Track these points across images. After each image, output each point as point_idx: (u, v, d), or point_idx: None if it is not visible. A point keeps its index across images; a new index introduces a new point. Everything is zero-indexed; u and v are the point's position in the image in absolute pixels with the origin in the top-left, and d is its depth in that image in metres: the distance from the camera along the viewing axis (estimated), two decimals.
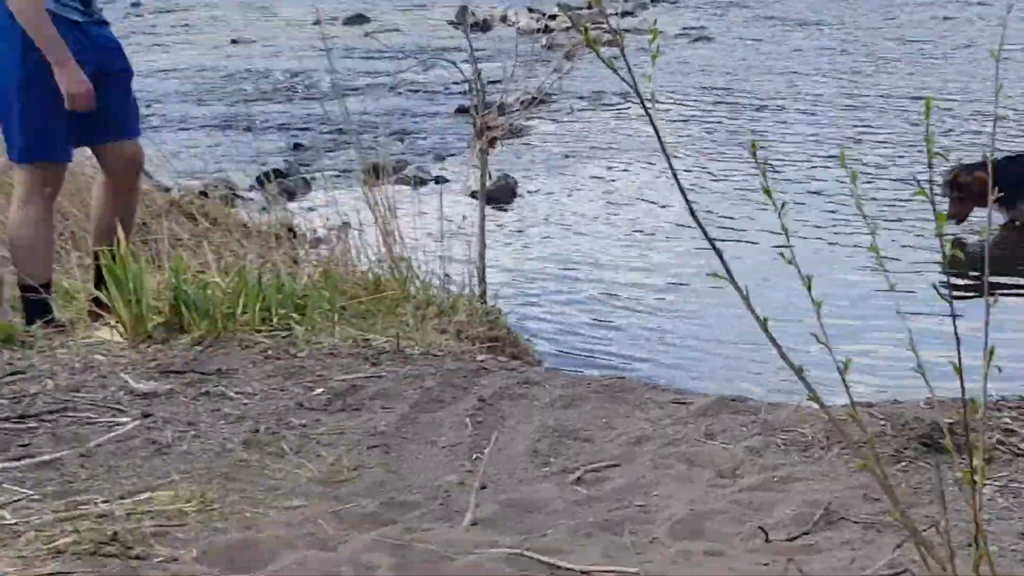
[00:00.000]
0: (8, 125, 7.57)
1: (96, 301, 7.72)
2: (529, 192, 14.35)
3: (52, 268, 7.69)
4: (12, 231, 7.74)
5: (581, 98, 18.46)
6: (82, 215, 9.66)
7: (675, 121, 16.98)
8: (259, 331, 7.36)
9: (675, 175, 4.17)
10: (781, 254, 3.68)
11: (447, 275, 8.95)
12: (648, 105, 3.89)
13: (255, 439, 5.80)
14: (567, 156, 15.83)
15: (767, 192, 3.76)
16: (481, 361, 7.29)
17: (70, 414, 6.07)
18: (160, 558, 4.49)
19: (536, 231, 12.98)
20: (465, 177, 13.70)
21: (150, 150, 10.12)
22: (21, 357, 6.93)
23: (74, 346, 7.08)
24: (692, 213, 4.06)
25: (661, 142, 4.06)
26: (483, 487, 5.27)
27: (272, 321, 7.48)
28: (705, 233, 3.90)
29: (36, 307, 7.60)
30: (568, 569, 4.56)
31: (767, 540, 4.77)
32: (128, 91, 7.79)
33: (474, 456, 5.76)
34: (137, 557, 4.48)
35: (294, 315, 7.54)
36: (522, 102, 9.40)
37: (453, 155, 15.01)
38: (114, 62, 7.69)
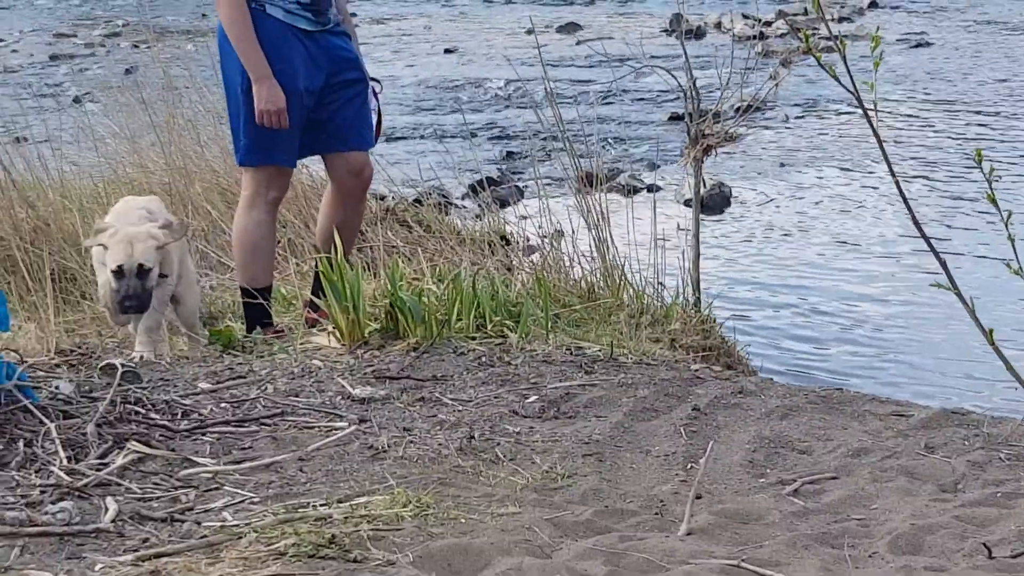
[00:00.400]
0: (234, 127, 7.70)
1: (313, 307, 7.84)
2: (744, 200, 14.22)
3: (272, 273, 7.81)
4: (235, 234, 7.88)
5: (796, 105, 18.25)
6: (299, 223, 9.85)
7: (895, 128, 16.66)
8: (473, 338, 7.40)
9: (897, 183, 4.08)
10: (1008, 265, 3.58)
11: (661, 283, 8.90)
12: (870, 112, 3.81)
13: (470, 445, 5.83)
14: (783, 164, 15.65)
15: (993, 201, 3.66)
16: (695, 370, 7.24)
17: (289, 418, 6.16)
18: (377, 561, 4.53)
19: (751, 240, 12.86)
20: (679, 185, 13.64)
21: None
22: (241, 362, 7.07)
23: (292, 351, 7.20)
24: (915, 222, 3.97)
25: (883, 149, 3.98)
26: (698, 497, 5.22)
27: (486, 328, 7.51)
28: (928, 242, 3.82)
29: (256, 313, 7.73)
30: None
31: (990, 556, 4.64)
32: (363, 102, 7.81)
33: (689, 466, 5.72)
34: (355, 560, 4.53)
35: (508, 322, 7.56)
36: (737, 109, 9.29)
37: (667, 163, 14.93)
38: (348, 72, 7.74)
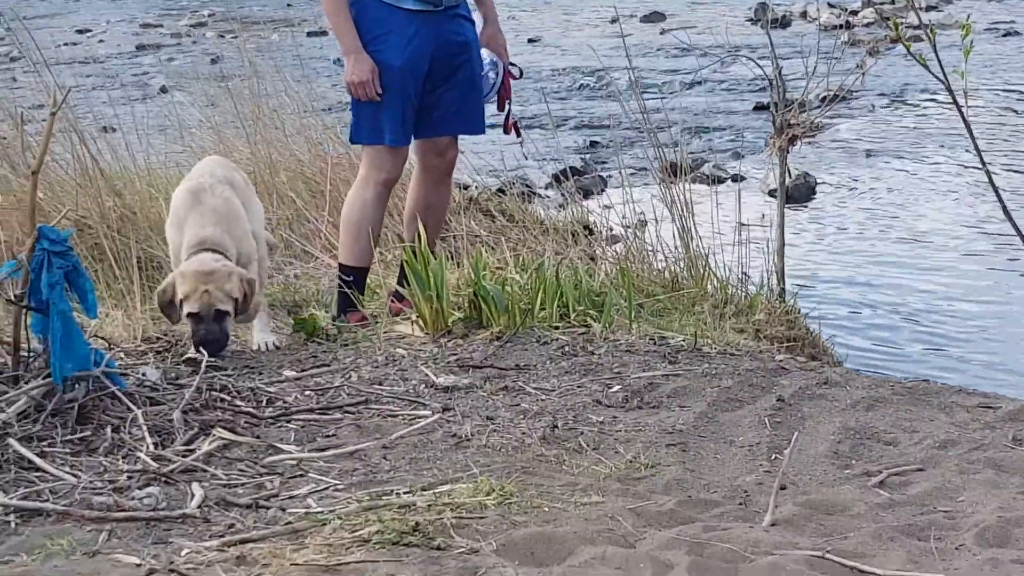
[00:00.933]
0: (352, 106, 7.74)
1: (398, 297, 7.86)
2: (829, 190, 14.12)
3: (370, 256, 7.80)
4: (344, 211, 7.91)
5: (883, 95, 18.10)
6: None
7: (985, 118, 16.46)
8: (557, 327, 7.39)
9: (988, 173, 4.04)
10: None
11: (745, 273, 8.85)
12: (960, 101, 3.76)
13: (553, 434, 5.83)
14: (869, 154, 15.51)
15: None
16: (780, 361, 7.19)
17: (373, 406, 6.19)
18: (461, 549, 4.54)
19: (836, 230, 12.76)
20: (763, 175, 13.55)
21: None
22: (326, 350, 7.10)
23: (376, 340, 7.22)
24: (1006, 212, 3.93)
25: (973, 139, 3.94)
26: (783, 487, 5.19)
27: (570, 317, 7.51)
28: (1020, 232, 3.77)
29: (346, 295, 7.74)
30: (871, 574, 4.45)
31: None
32: (471, 87, 7.79)
33: (773, 456, 5.68)
34: (438, 548, 4.54)
35: (591, 312, 7.55)
36: (823, 99, 9.21)
37: (751, 153, 14.86)
38: (458, 56, 7.71)
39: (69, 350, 5.71)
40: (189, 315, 6.83)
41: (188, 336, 6.94)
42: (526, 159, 9.26)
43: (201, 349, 6.68)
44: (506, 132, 8.20)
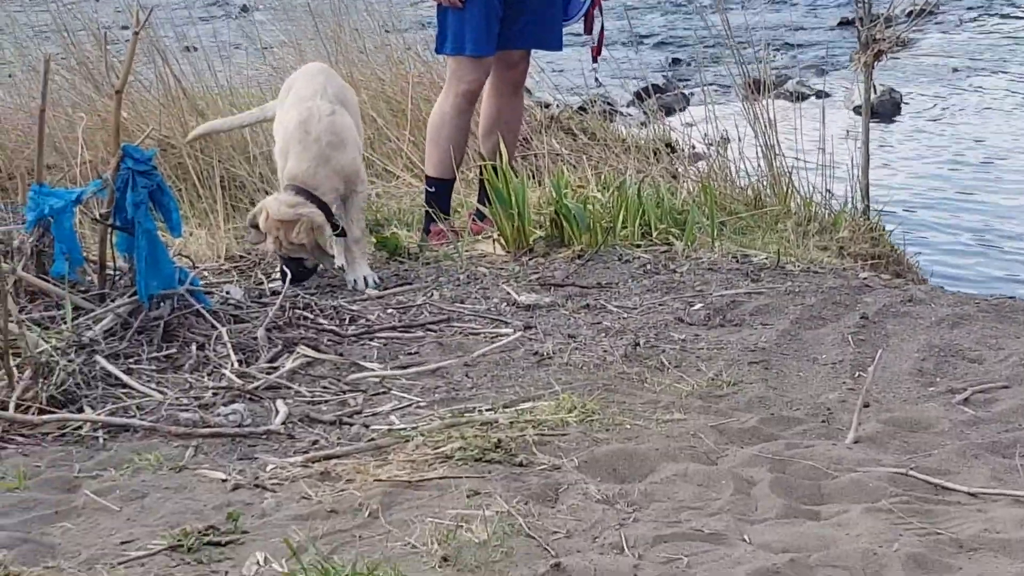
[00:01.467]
0: (437, 17, 7.74)
1: (479, 216, 7.85)
2: (915, 107, 13.93)
3: (453, 168, 7.79)
4: (428, 123, 7.93)
5: (971, 8, 17.79)
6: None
7: None
8: (638, 246, 7.37)
9: None
10: None
11: (829, 191, 8.76)
12: None
13: (635, 352, 5.82)
14: (955, 70, 15.28)
15: None
16: (864, 278, 7.14)
17: (455, 324, 6.21)
18: (543, 466, 4.56)
19: (921, 147, 12.60)
20: (848, 91, 13.39)
21: (531, 67, 10.23)
22: (408, 268, 7.12)
23: (458, 259, 7.23)
24: None
25: None
26: (866, 405, 5.17)
27: (651, 236, 7.48)
28: None
29: (430, 204, 7.74)
30: (955, 490, 4.43)
31: None
32: (551, 2, 7.75)
33: (856, 374, 5.65)
34: (520, 464, 4.56)
35: (673, 230, 7.52)
36: (909, 13, 9.08)
37: (836, 69, 14.67)
38: None
39: (154, 268, 5.75)
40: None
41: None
42: (598, 84, 9.18)
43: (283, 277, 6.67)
44: (594, 59, 8.19)
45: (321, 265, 6.90)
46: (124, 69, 6.08)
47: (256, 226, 6.78)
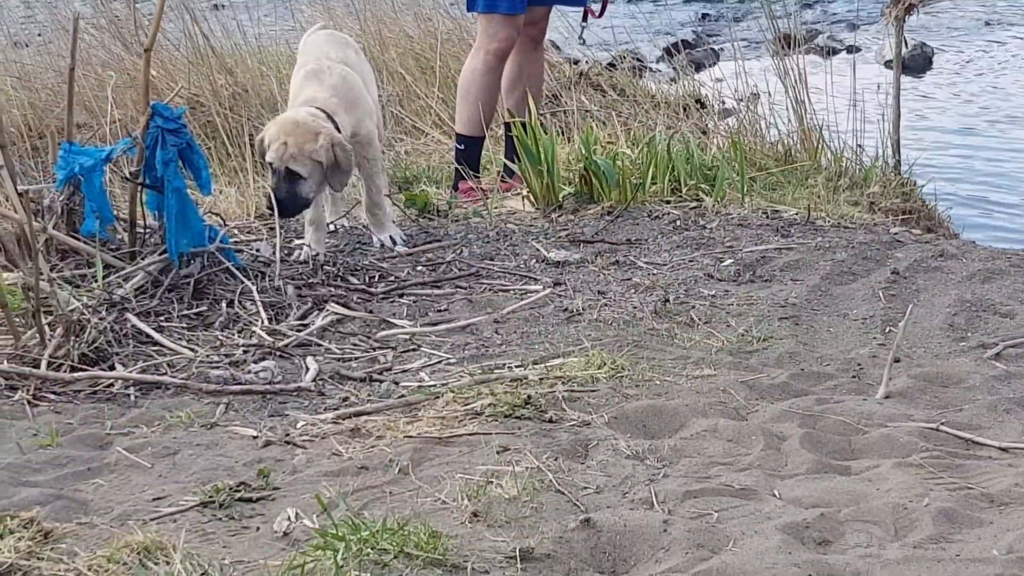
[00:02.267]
0: None
1: (508, 172, 7.85)
2: (947, 61, 13.84)
3: (481, 126, 7.79)
4: (460, 79, 7.95)
5: None
6: None
7: None
8: (668, 201, 7.35)
9: None
10: None
11: (860, 146, 8.72)
12: None
13: (665, 308, 5.81)
14: (987, 23, 15.18)
15: None
16: (895, 233, 7.11)
17: (484, 281, 6.21)
18: (572, 422, 4.56)
19: (953, 102, 12.53)
20: (879, 45, 13.31)
21: (559, 22, 10.21)
22: (437, 225, 7.12)
23: (487, 215, 7.22)
24: None
25: None
26: (897, 360, 5.15)
27: (681, 192, 7.46)
28: None
29: (460, 160, 7.76)
30: (986, 445, 4.42)
31: None
32: None
33: (887, 329, 5.63)
34: (550, 420, 4.56)
35: (703, 186, 7.50)
36: None
37: (867, 23, 14.58)
38: None
39: (184, 226, 5.77)
40: (268, 164, 6.28)
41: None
42: (582, 42, 9.16)
43: (270, 207, 6.29)
44: (598, 15, 8.22)
45: (322, 201, 6.57)
46: (153, 28, 6.08)
47: (263, 152, 6.33)
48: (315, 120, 6.29)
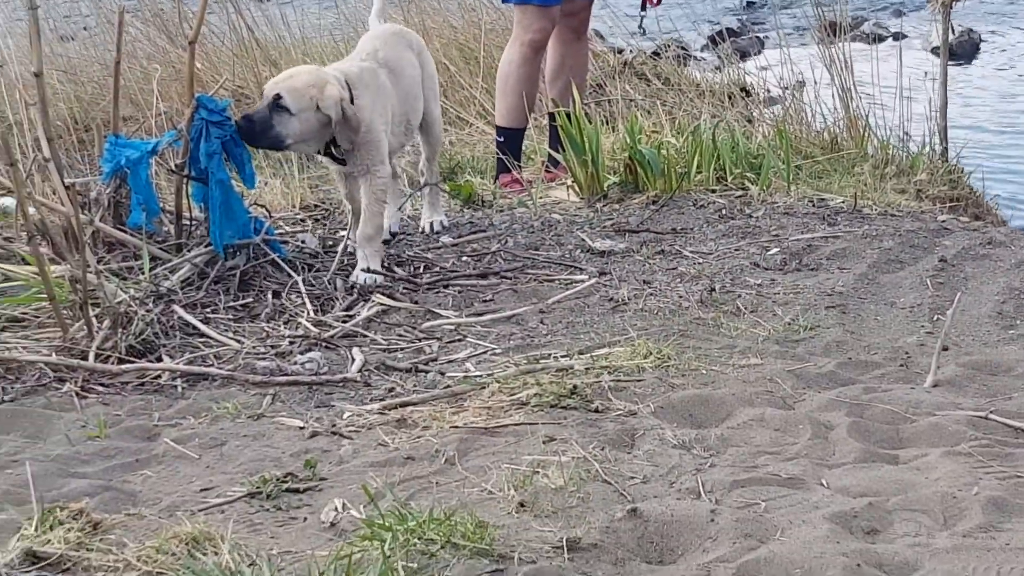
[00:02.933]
0: None
1: (553, 162, 7.84)
2: (994, 47, 13.74)
3: (521, 117, 7.79)
4: (498, 72, 7.94)
5: None
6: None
7: None
8: (713, 190, 7.33)
9: None
10: None
11: (907, 133, 8.68)
12: None
13: (711, 297, 5.80)
14: None
15: None
16: (942, 221, 7.07)
17: (529, 271, 6.20)
18: (618, 411, 4.55)
19: (1001, 88, 12.44)
20: (926, 32, 13.23)
21: (603, 10, 10.19)
22: (482, 216, 7.11)
23: (532, 205, 7.22)
24: None
25: None
26: (945, 348, 5.11)
27: (726, 180, 7.44)
28: None
29: (501, 151, 7.76)
30: None
31: None
32: None
33: (935, 317, 5.60)
34: (596, 410, 4.55)
35: (749, 174, 7.48)
36: None
37: (914, 9, 14.50)
38: None
39: (229, 218, 5.78)
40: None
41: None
42: (643, 32, 9.14)
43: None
44: (655, 2, 8.19)
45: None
46: (197, 20, 6.10)
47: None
48: (333, 76, 5.90)
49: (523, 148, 8.09)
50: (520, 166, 7.79)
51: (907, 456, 4.25)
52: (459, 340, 5.39)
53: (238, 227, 5.81)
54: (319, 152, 6.07)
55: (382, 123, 6.09)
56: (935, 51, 11.11)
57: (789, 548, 3.50)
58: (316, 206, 7.33)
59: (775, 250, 6.46)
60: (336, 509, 3.83)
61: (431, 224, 6.74)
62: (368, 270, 5.94)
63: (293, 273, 5.85)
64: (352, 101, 5.92)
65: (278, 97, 5.78)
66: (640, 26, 8.83)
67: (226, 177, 5.79)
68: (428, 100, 6.54)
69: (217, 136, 5.76)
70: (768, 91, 10.12)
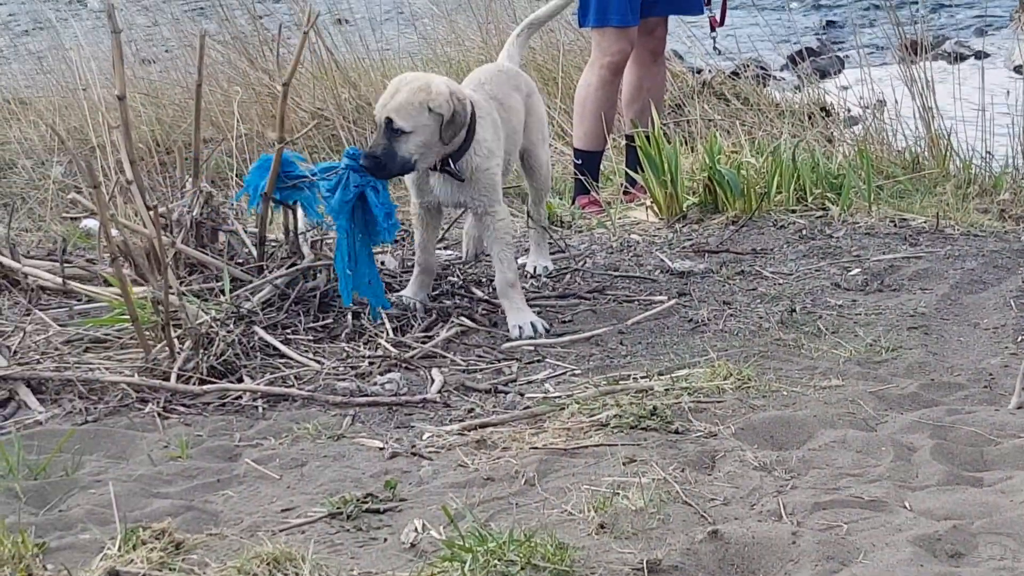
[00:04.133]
0: None
1: (630, 182, 7.83)
2: None
3: (599, 140, 7.78)
4: (576, 94, 7.94)
5: None
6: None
7: None
8: (793, 211, 7.29)
9: None
10: None
11: (989, 152, 8.60)
12: None
13: (791, 318, 5.77)
14: None
15: None
16: None
17: (608, 292, 6.19)
18: (699, 433, 4.53)
19: None
20: (1008, 51, 13.11)
21: (682, 32, 10.17)
22: (561, 237, 7.11)
23: (611, 226, 7.21)
24: None
25: None
26: None
27: (807, 201, 7.40)
28: None
29: (579, 174, 7.76)
30: None
31: None
32: None
33: (1019, 338, 5.54)
34: (676, 431, 4.54)
35: (829, 194, 7.43)
36: None
37: (996, 28, 14.37)
38: None
39: (352, 270, 5.56)
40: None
41: None
42: (717, 52, 9.12)
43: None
44: (712, 28, 8.17)
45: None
46: (292, 63, 6.07)
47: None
48: (436, 75, 5.62)
49: (601, 168, 8.08)
50: (599, 187, 7.78)
51: (991, 479, 4.20)
52: (538, 361, 5.39)
53: (360, 284, 5.59)
54: (435, 168, 5.68)
55: (499, 160, 5.81)
56: (1018, 69, 11.02)
57: (872, 571, 3.47)
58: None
59: (856, 271, 6.42)
60: (416, 530, 3.84)
61: (535, 268, 6.45)
62: (522, 323, 5.65)
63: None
64: (471, 122, 5.62)
65: (389, 121, 5.45)
66: (714, 47, 8.82)
67: (347, 226, 5.51)
68: (536, 144, 6.25)
69: (356, 184, 5.50)
70: (848, 111, 10.06)
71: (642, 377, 5.08)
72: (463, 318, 5.78)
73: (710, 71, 10.70)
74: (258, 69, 9.76)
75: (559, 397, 4.92)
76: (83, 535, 3.88)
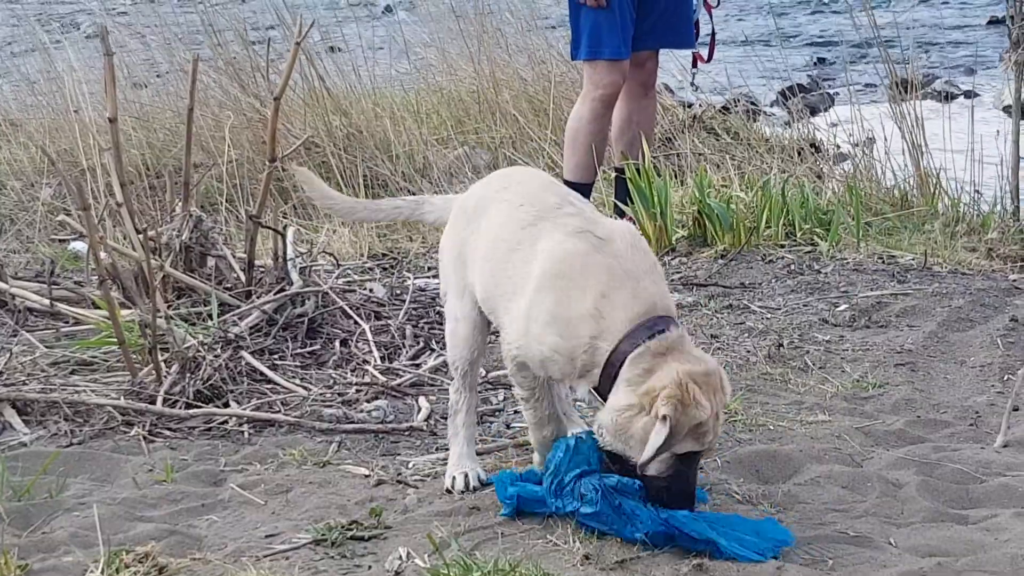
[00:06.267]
0: (572, 21, 7.74)
1: (619, 213, 7.84)
2: None
3: (590, 171, 7.78)
4: (567, 126, 7.94)
5: None
6: None
7: None
8: (782, 246, 7.30)
9: None
10: None
11: (978, 191, 8.62)
12: None
13: (779, 353, 5.77)
14: None
15: None
16: (1013, 280, 7.02)
17: None
18: None
19: None
20: (998, 91, 13.16)
21: (672, 66, 10.20)
22: None
23: None
24: None
25: None
26: (1015, 409, 5.06)
27: (795, 236, 7.41)
28: None
29: None
30: None
31: None
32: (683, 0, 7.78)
33: (1006, 377, 5.55)
34: None
35: (818, 230, 7.45)
36: None
37: (985, 68, 14.43)
38: None
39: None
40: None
41: None
42: (695, 88, 9.11)
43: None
44: (707, 59, 8.18)
45: None
46: (283, 78, 6.12)
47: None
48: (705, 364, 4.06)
49: (591, 200, 8.09)
50: None
51: (977, 516, 4.21)
52: None
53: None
54: None
55: None
56: (1007, 110, 11.04)
57: None
58: (384, 255, 7.36)
59: (844, 307, 6.43)
60: (401, 558, 3.84)
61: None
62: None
63: (361, 321, 5.86)
64: None
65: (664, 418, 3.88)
66: (692, 82, 8.83)
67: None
68: None
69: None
70: (838, 147, 10.09)
71: None
72: None
73: (700, 105, 10.73)
74: (249, 95, 9.77)
75: None
76: (66, 557, 3.87)
